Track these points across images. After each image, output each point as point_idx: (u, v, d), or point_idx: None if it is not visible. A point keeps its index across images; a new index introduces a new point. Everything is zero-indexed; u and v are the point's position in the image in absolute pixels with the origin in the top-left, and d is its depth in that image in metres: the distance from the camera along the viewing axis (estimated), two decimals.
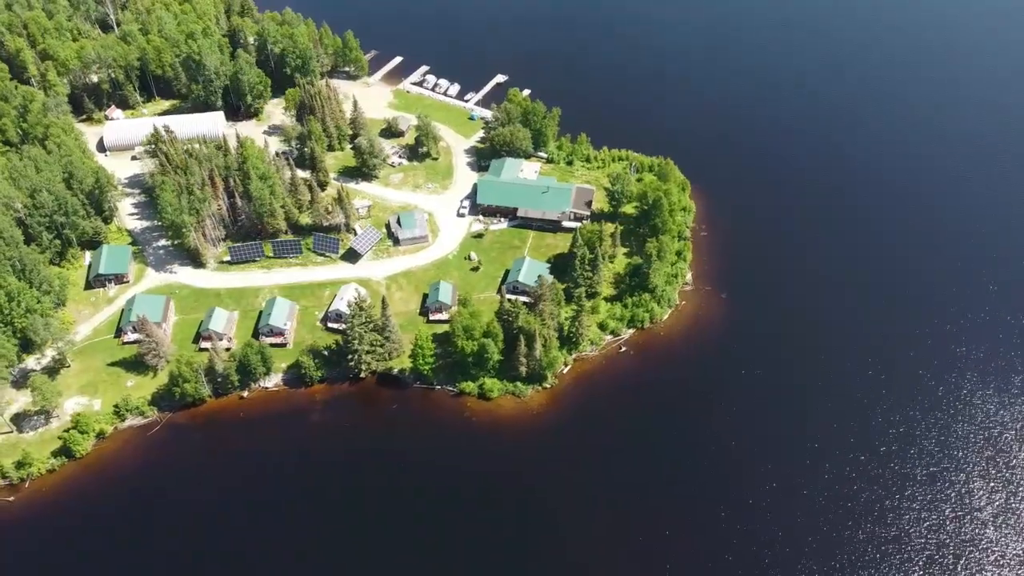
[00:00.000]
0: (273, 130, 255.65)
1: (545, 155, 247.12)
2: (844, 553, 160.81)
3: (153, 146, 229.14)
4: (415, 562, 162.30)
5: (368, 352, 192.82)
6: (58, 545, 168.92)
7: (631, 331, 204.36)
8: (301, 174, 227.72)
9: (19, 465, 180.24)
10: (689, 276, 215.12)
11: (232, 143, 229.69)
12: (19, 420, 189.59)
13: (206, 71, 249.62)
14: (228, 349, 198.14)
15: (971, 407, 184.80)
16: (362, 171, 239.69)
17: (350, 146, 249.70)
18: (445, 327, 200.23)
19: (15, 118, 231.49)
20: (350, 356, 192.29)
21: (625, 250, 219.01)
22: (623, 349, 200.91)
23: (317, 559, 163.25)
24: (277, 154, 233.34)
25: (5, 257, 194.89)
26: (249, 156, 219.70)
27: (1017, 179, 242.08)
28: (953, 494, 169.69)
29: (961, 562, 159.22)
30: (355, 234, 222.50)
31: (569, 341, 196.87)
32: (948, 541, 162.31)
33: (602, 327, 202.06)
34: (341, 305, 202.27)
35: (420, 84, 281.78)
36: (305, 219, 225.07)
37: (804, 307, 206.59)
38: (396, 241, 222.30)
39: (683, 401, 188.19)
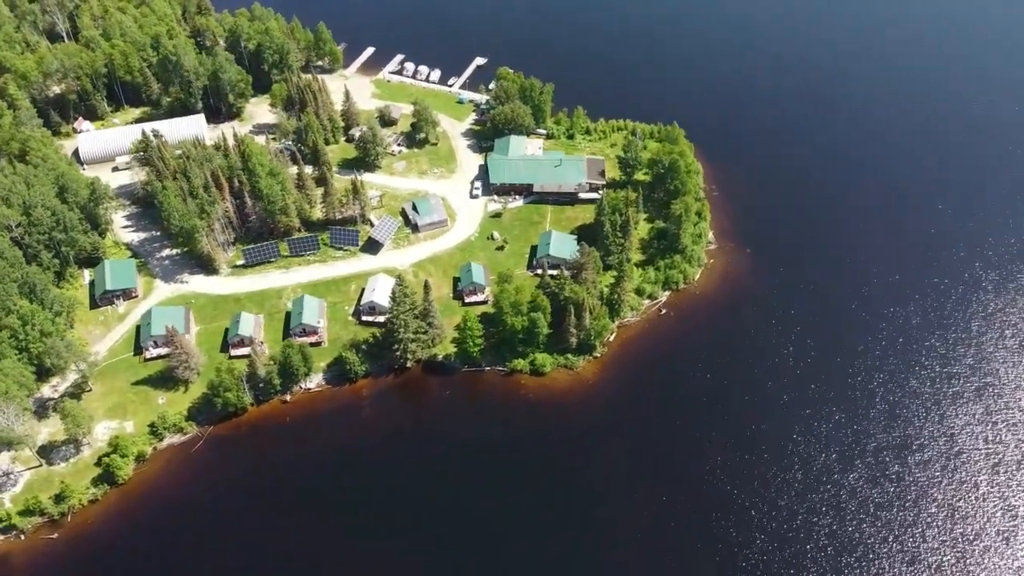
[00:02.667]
0: (259, 129, 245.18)
1: (544, 131, 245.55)
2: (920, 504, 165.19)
3: (143, 153, 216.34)
4: (502, 549, 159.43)
5: (413, 340, 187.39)
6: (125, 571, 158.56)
7: (667, 293, 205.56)
8: (307, 169, 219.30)
9: (58, 499, 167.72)
10: (711, 235, 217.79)
11: (230, 142, 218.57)
12: (47, 452, 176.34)
13: (184, 72, 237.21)
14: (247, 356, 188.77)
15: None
16: (364, 161, 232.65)
17: (344, 138, 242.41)
18: (482, 308, 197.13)
19: None
20: (396, 346, 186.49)
21: (645, 215, 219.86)
22: (663, 312, 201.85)
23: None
24: (281, 150, 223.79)
25: (10, 279, 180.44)
26: (252, 153, 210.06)
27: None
28: None
29: None
30: (372, 225, 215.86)
31: (611, 308, 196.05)
32: None
33: (639, 292, 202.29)
34: (375, 296, 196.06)
35: (399, 72, 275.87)
36: (317, 214, 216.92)
37: (823, 250, 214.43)
38: (415, 228, 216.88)
39: (731, 356, 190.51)
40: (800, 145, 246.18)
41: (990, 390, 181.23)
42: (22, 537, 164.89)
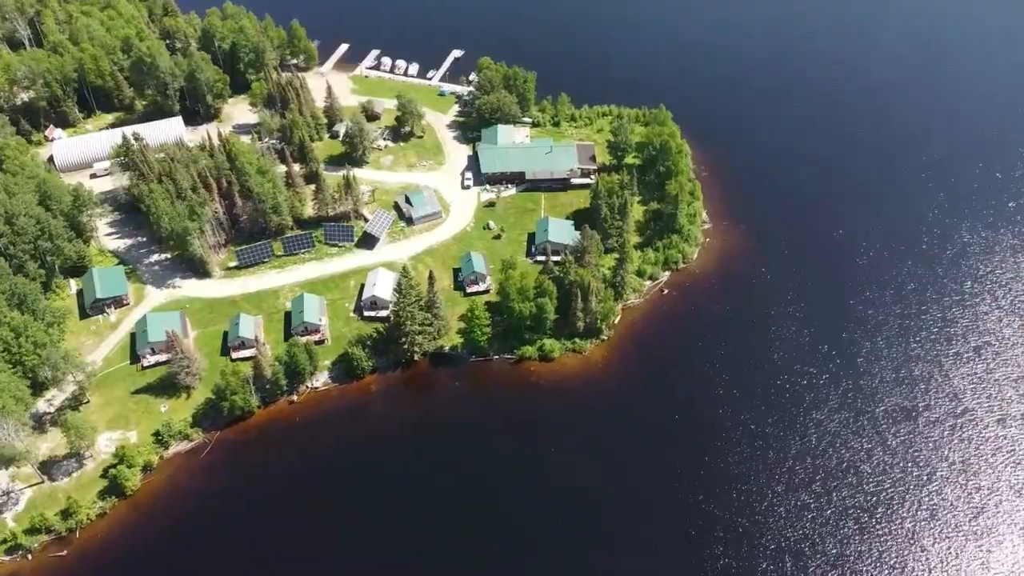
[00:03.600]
0: (239, 130, 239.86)
1: (529, 120, 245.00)
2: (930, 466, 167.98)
3: (123, 158, 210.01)
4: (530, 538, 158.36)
5: (419, 332, 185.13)
6: None
7: (667, 273, 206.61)
8: (295, 167, 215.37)
9: (65, 515, 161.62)
10: (704, 214, 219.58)
11: (215, 142, 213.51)
12: (48, 468, 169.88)
13: (160, 74, 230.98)
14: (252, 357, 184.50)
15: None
16: (351, 157, 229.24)
17: (328, 135, 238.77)
18: (485, 298, 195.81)
19: None
20: (403, 339, 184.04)
21: (638, 199, 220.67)
22: (665, 292, 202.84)
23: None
24: (267, 148, 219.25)
25: None
26: (239, 152, 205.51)
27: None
28: None
29: None
30: (366, 220, 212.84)
31: (615, 291, 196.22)
32: None
33: (639, 274, 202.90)
34: (376, 291, 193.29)
35: (376, 68, 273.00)
36: (309, 211, 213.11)
37: (814, 224, 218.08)
38: (409, 221, 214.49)
39: (735, 331, 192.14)
40: (782, 122, 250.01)
41: (989, 349, 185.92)
42: (29, 557, 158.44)
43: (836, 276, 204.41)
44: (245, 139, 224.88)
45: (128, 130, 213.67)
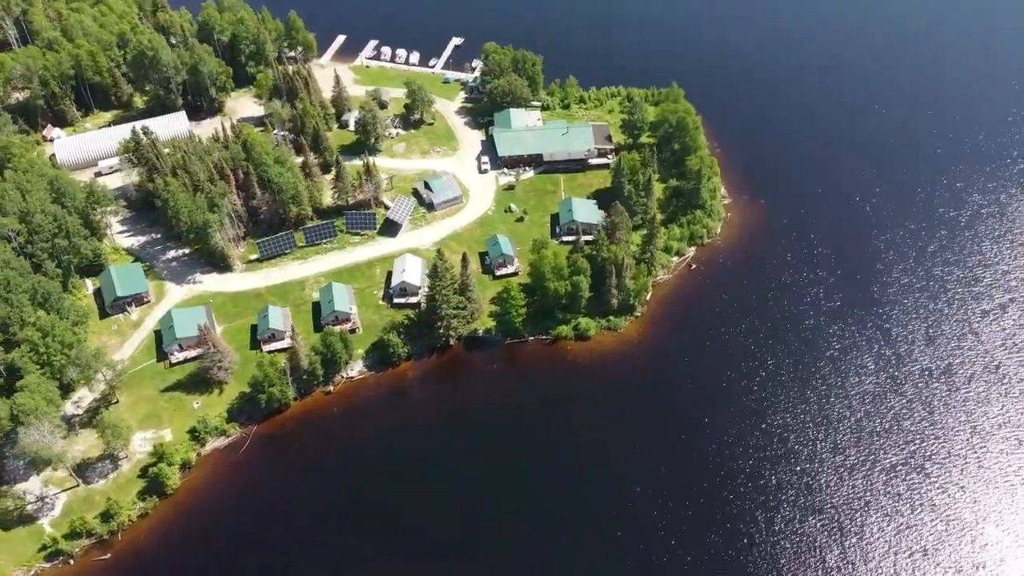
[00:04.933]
0: (245, 123, 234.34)
1: (538, 103, 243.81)
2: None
3: (132, 154, 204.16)
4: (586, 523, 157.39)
5: (454, 316, 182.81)
6: None
7: (693, 249, 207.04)
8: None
9: (105, 517, 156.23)
10: (723, 189, 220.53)
11: (228, 133, 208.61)
12: (82, 471, 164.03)
13: (162, 67, 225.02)
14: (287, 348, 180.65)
15: None
16: (364, 145, 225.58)
17: (337, 125, 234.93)
18: (514, 279, 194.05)
19: None
20: (438, 323, 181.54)
21: (656, 176, 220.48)
22: (693, 267, 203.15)
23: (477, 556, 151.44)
24: (282, 138, 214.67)
25: (21, 289, 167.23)
26: (255, 143, 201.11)
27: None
28: None
29: None
30: (386, 207, 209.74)
31: (646, 267, 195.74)
32: None
33: (666, 250, 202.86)
34: (406, 277, 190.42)
35: (376, 57, 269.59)
36: (328, 200, 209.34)
37: (831, 194, 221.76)
38: (430, 207, 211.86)
39: (766, 301, 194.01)
40: (793, 97, 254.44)
41: (1014, 305, 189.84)
42: (71, 562, 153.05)
43: (858, 243, 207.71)
44: (256, 131, 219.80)
45: (137, 124, 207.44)
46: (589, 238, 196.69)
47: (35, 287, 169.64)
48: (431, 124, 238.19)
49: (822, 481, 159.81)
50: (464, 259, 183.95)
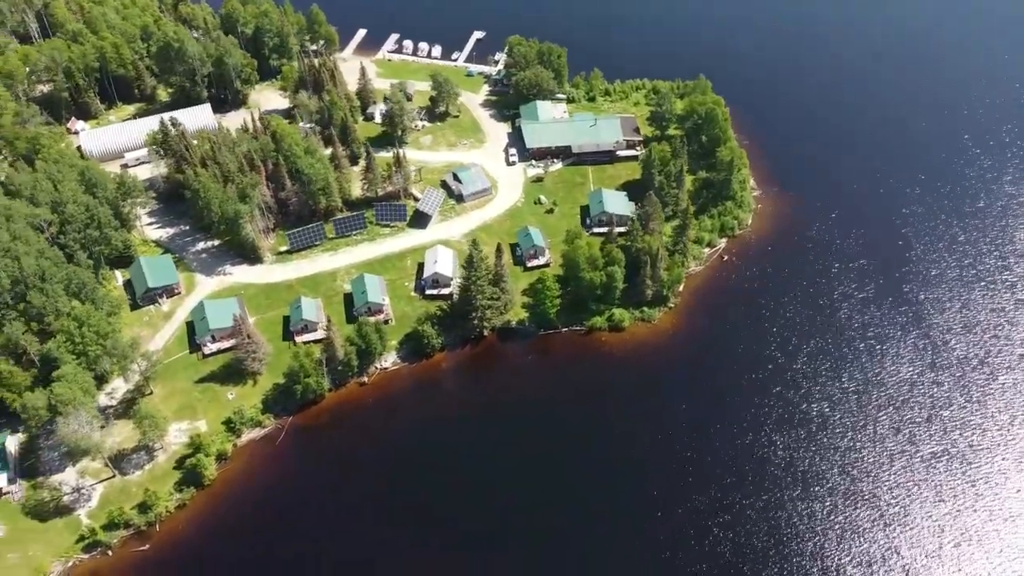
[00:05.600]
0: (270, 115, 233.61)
1: (563, 96, 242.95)
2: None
3: (160, 146, 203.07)
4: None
5: (488, 307, 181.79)
6: None
7: (724, 240, 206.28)
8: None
9: (143, 508, 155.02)
10: (752, 181, 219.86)
11: (256, 124, 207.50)
12: (117, 462, 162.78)
13: (188, 59, 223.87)
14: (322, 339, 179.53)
15: None
16: (391, 137, 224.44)
17: (362, 117, 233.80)
18: (545, 271, 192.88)
19: None
20: (473, 314, 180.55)
21: (686, 168, 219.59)
22: (725, 258, 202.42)
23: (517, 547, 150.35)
24: (312, 128, 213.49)
25: (56, 279, 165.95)
26: (285, 134, 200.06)
27: None
28: None
29: None
30: (415, 199, 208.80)
31: (680, 258, 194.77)
32: None
33: (697, 241, 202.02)
34: (438, 268, 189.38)
35: (398, 51, 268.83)
36: (357, 192, 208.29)
37: (859, 184, 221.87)
38: (459, 198, 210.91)
39: (801, 293, 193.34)
40: (816, 87, 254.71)
41: None
42: (109, 553, 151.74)
43: (888, 233, 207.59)
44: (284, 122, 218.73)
45: (166, 116, 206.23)
46: (622, 229, 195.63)
47: (69, 277, 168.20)
48: (456, 117, 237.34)
49: (862, 470, 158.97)
50: (499, 249, 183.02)
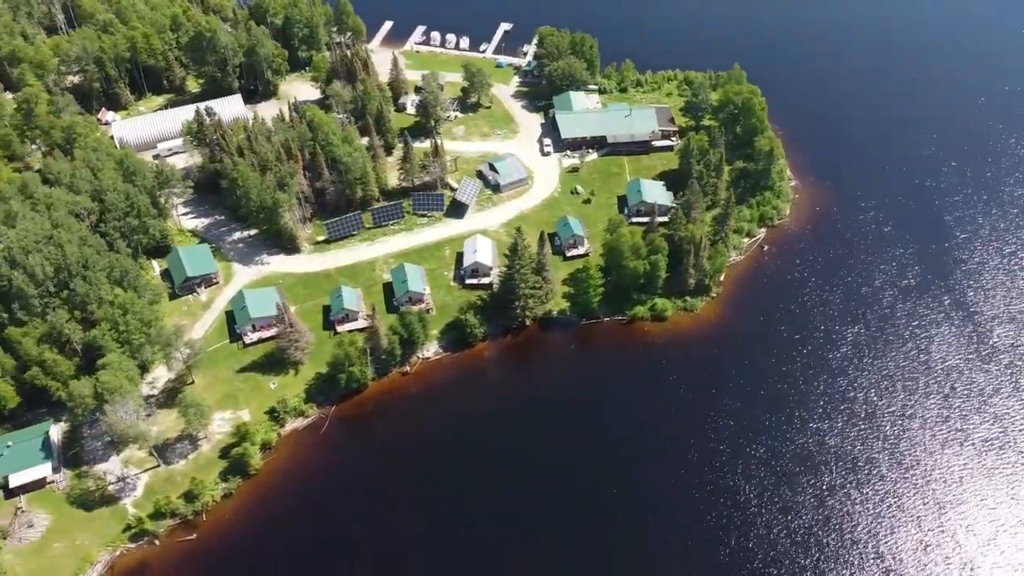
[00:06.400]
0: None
1: (595, 86, 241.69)
2: None
3: (194, 136, 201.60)
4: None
5: (530, 296, 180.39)
6: (277, 574, 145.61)
7: (763, 230, 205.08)
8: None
9: (189, 497, 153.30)
10: (788, 171, 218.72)
11: (292, 114, 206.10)
12: (161, 451, 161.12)
13: (221, 49, 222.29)
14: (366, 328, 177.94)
15: None
16: (423, 128, 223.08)
17: (394, 108, 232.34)
18: (585, 261, 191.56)
19: (19, 124, 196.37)
20: (515, 303, 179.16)
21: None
22: (765, 248, 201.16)
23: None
24: (348, 118, 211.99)
25: (99, 267, 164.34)
26: (322, 123, 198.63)
27: None
28: None
29: None
30: (452, 189, 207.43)
31: (722, 247, 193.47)
32: None
33: (736, 231, 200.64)
34: (479, 257, 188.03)
35: (426, 43, 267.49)
36: (393, 181, 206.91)
37: (896, 174, 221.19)
38: (496, 188, 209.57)
39: (843, 282, 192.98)
40: (848, 75, 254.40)
41: None
42: (157, 543, 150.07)
43: (928, 222, 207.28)
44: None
45: (201, 106, 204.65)
46: (663, 219, 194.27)
47: (111, 264, 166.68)
48: (488, 107, 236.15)
49: (914, 458, 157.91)
50: (542, 237, 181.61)
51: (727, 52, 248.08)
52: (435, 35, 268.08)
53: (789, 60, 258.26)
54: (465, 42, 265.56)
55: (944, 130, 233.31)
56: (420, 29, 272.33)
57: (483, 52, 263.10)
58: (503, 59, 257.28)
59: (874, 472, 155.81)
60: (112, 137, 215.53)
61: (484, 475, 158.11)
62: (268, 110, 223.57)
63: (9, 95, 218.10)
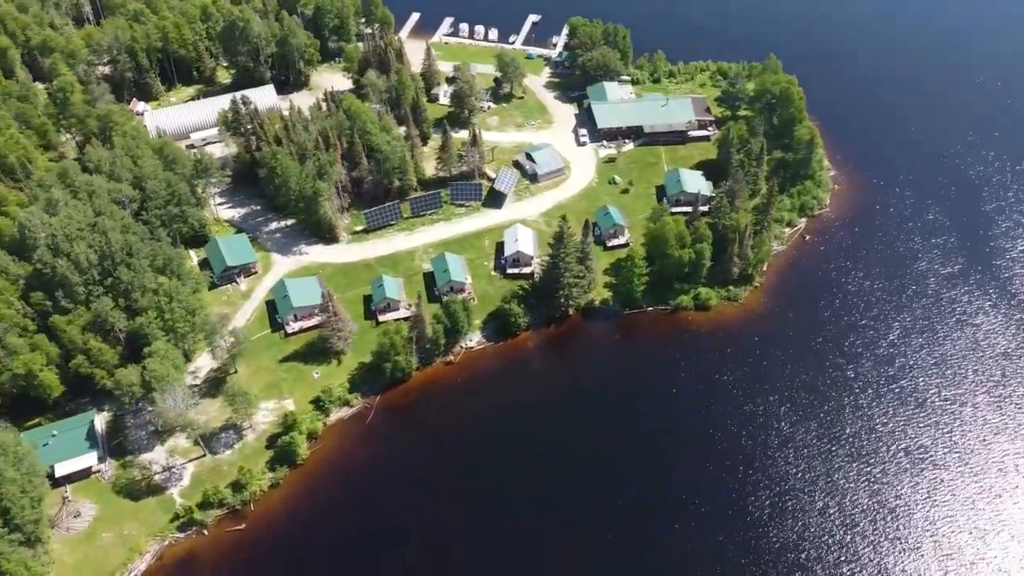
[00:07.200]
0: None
1: (628, 77, 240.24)
2: None
3: (230, 125, 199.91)
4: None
5: (574, 285, 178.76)
6: (325, 564, 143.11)
7: (803, 220, 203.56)
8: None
9: (236, 487, 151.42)
10: (826, 161, 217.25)
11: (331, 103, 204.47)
12: (206, 441, 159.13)
13: (254, 38, 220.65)
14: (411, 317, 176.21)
15: None
16: (456, 118, 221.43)
17: (427, 98, 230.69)
18: (626, 251, 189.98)
19: (54, 114, 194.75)
20: (559, 292, 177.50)
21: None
22: (807, 237, 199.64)
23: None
24: (385, 109, 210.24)
25: (143, 254, 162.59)
26: (359, 111, 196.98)
27: None
28: None
29: None
30: (489, 179, 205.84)
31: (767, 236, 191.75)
32: None
33: (777, 220, 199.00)
34: (520, 247, 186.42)
35: (454, 34, 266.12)
36: (430, 171, 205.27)
37: (936, 163, 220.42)
38: (533, 178, 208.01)
39: (887, 271, 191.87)
40: (883, 63, 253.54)
41: None
42: (205, 532, 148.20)
43: (969, 210, 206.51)
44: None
45: (237, 95, 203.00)
46: (703, 209, 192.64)
47: (155, 252, 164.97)
48: (521, 98, 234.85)
49: (967, 446, 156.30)
50: (586, 226, 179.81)
51: (757, 43, 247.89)
52: (463, 27, 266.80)
53: (821, 51, 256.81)
54: (494, 33, 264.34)
55: (984, 117, 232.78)
56: (448, 21, 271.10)
57: (512, 43, 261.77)
58: (533, 50, 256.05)
59: (927, 459, 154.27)
60: (146, 127, 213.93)
61: (528, 466, 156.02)
62: (300, 100, 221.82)
63: (39, 85, 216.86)
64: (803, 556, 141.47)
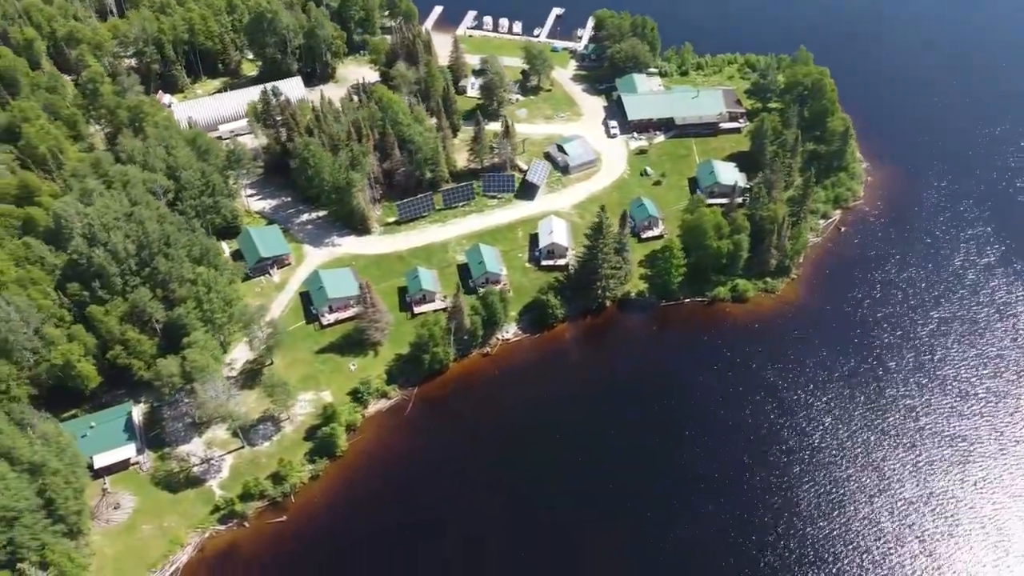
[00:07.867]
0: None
1: (655, 69, 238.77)
2: None
3: (259, 117, 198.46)
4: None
5: (611, 277, 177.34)
6: (365, 557, 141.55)
7: (838, 212, 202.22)
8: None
9: (276, 479, 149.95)
10: (859, 152, 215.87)
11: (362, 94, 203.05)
12: (244, 433, 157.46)
13: (282, 30, 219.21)
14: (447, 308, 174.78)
15: None
16: (484, 110, 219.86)
17: (455, 90, 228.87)
18: (660, 243, 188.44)
19: (83, 105, 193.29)
20: (596, 283, 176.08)
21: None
22: (842, 229, 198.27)
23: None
24: (416, 100, 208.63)
25: (180, 244, 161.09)
26: (391, 102, 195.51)
27: None
28: None
29: None
30: (521, 170, 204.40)
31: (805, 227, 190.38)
32: None
33: (812, 212, 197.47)
34: (555, 238, 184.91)
35: (478, 27, 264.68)
36: (462, 163, 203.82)
37: (970, 155, 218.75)
38: (565, 170, 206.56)
39: (924, 262, 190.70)
40: (913, 55, 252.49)
41: None
42: (246, 524, 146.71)
43: (1004, 201, 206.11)
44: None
45: (267, 86, 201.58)
46: (737, 200, 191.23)
47: (192, 242, 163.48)
48: (549, 90, 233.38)
49: (1012, 436, 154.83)
50: (623, 217, 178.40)
51: (784, 36, 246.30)
52: (487, 19, 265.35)
53: (850, 42, 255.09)
54: (518, 26, 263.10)
55: (1016, 108, 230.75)
56: (472, 14, 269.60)
57: (536, 36, 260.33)
58: (558, 43, 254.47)
59: (972, 449, 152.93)
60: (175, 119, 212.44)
61: (564, 458, 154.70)
62: (328, 93, 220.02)
63: (66, 77, 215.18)
64: (851, 547, 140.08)
